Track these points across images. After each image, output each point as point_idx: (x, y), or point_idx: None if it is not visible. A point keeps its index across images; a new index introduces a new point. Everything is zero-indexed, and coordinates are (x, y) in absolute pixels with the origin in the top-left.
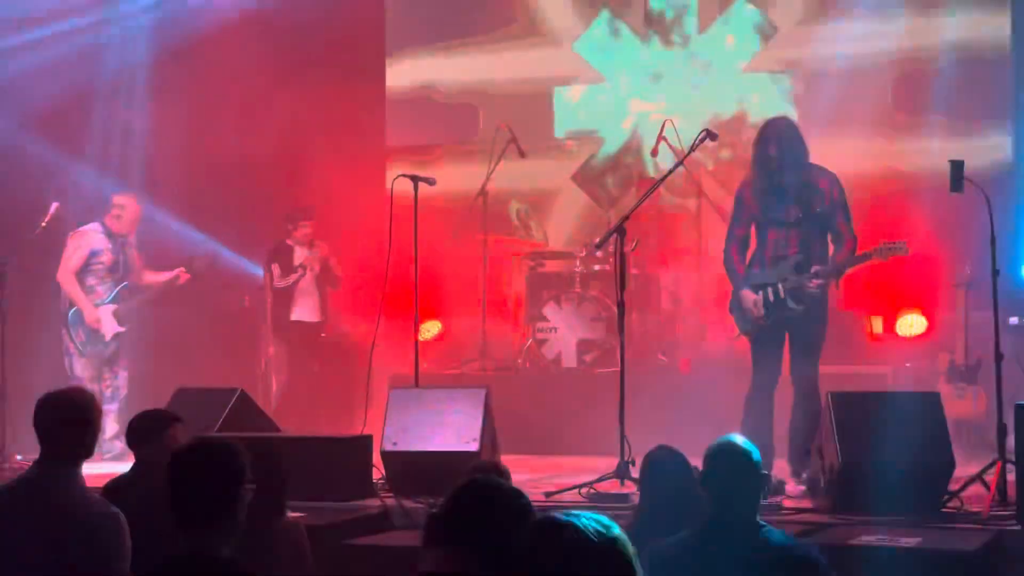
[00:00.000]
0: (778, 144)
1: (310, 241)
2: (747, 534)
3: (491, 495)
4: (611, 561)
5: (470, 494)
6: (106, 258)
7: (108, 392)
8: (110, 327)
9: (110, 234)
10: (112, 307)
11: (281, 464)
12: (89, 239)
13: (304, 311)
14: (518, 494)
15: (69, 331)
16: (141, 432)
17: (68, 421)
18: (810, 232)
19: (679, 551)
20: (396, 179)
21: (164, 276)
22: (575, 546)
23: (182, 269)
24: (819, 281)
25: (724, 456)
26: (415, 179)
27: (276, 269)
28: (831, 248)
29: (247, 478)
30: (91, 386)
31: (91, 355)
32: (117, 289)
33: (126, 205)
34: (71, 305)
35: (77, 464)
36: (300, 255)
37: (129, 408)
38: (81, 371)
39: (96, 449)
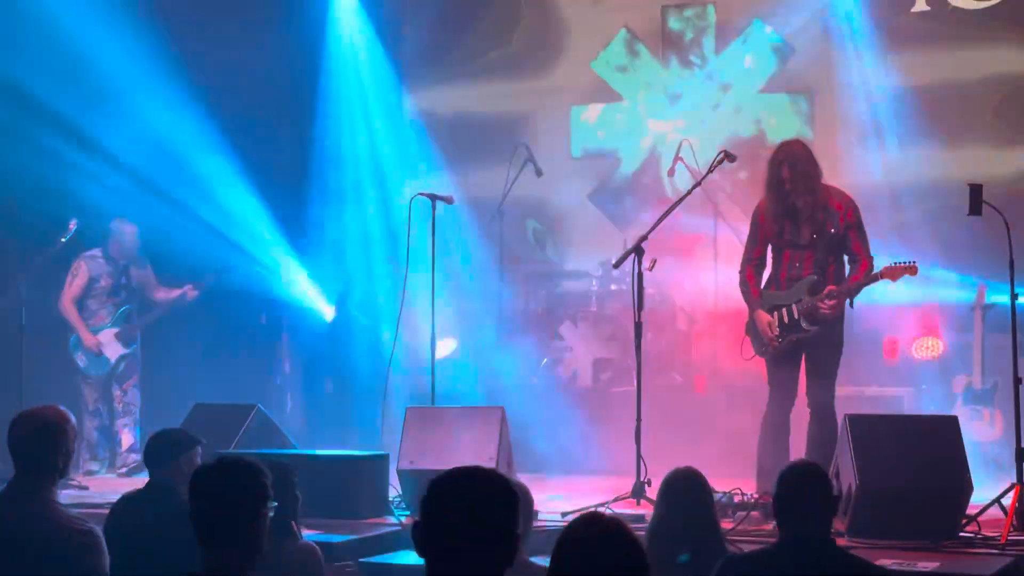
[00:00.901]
0: (791, 167)
1: None
2: (821, 553)
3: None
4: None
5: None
6: (105, 283)
7: (120, 407)
8: (113, 350)
9: (110, 258)
10: (114, 330)
11: (295, 484)
12: (88, 265)
13: None
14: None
15: (71, 356)
16: (158, 454)
17: (40, 440)
18: (824, 253)
19: (754, 567)
20: (414, 197)
21: (173, 293)
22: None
23: (190, 286)
24: (832, 302)
25: (798, 477)
26: (433, 198)
27: None
28: (847, 269)
29: (269, 497)
30: (98, 407)
31: (94, 379)
32: (119, 312)
33: (125, 231)
34: (73, 330)
35: (51, 482)
36: None
37: (146, 421)
38: (88, 393)
39: (108, 463)
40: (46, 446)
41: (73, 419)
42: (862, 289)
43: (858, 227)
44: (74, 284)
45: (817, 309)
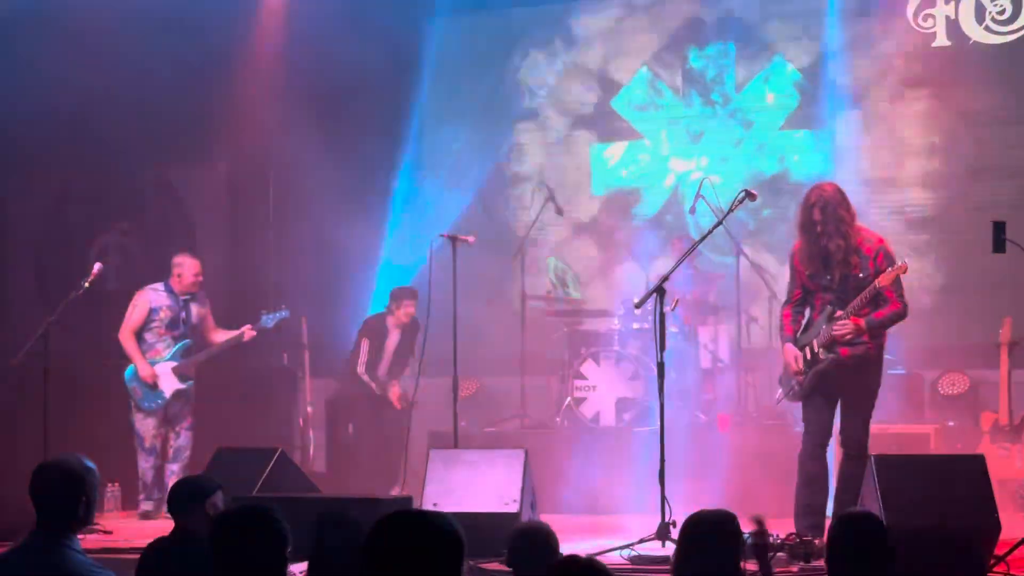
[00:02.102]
0: (823, 210)
1: (407, 321)
2: None
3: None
4: None
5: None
6: (164, 315)
7: (171, 452)
8: (169, 384)
9: (171, 292)
10: (172, 364)
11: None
12: (148, 297)
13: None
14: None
15: (127, 387)
16: (180, 502)
17: (61, 490)
18: (852, 295)
19: None
20: (435, 239)
21: (231, 334)
22: None
23: (248, 327)
24: (845, 328)
25: (851, 526)
26: (454, 239)
27: (366, 345)
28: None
29: (290, 542)
30: (155, 444)
31: (147, 411)
32: (177, 346)
33: (184, 264)
34: (130, 361)
35: (72, 532)
36: (393, 339)
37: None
38: (140, 425)
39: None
40: (68, 495)
41: (94, 468)
42: (886, 325)
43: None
44: (133, 315)
45: (832, 336)
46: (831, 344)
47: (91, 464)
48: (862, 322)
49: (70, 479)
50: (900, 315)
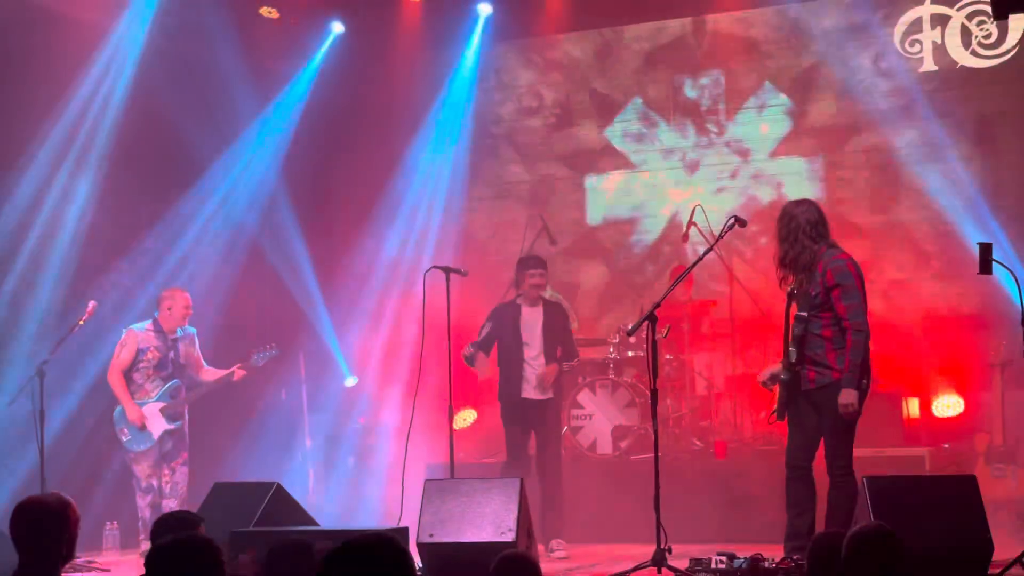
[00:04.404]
0: (787, 223)
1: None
2: None
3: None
4: None
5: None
6: (152, 356)
7: (167, 488)
8: (157, 425)
9: (160, 331)
10: (159, 405)
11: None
12: (137, 337)
13: None
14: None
15: (115, 429)
16: (161, 537)
17: (42, 528)
18: (806, 311)
19: None
20: (428, 271)
21: (220, 373)
22: None
23: (238, 366)
24: (848, 399)
25: (866, 544)
26: (447, 271)
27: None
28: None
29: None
30: (151, 482)
31: (138, 454)
32: (166, 387)
33: (175, 297)
34: (118, 402)
35: (56, 569)
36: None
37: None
38: (136, 466)
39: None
40: (48, 533)
41: (74, 504)
42: (858, 360)
43: (840, 287)
44: (122, 355)
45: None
46: (790, 363)
47: (71, 501)
48: (846, 395)
49: (48, 516)
50: (861, 340)
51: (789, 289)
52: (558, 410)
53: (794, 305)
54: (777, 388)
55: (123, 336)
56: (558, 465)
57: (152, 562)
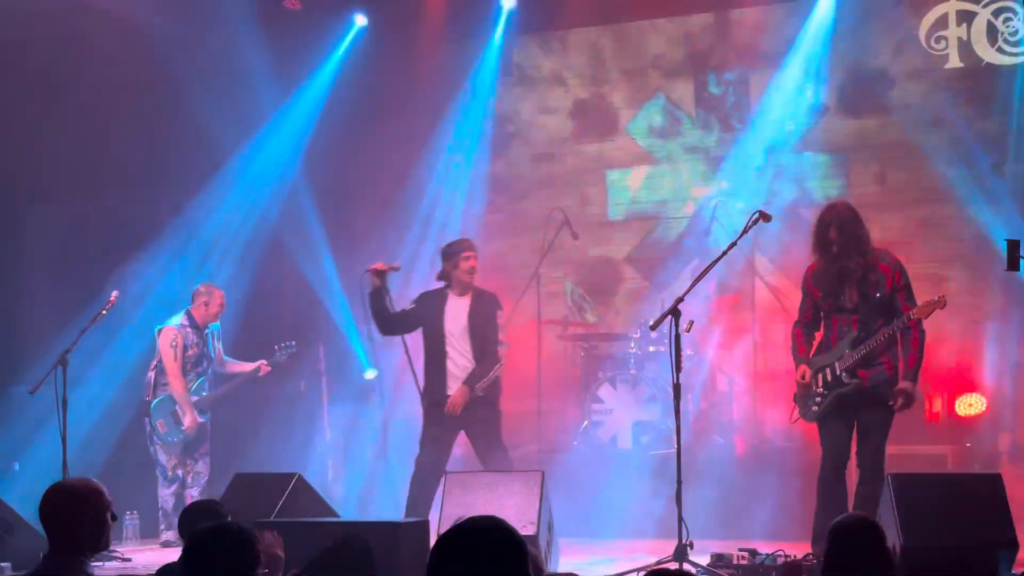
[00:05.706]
0: (839, 228)
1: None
2: None
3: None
4: None
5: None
6: (192, 352)
7: (189, 478)
8: (190, 419)
9: (195, 326)
10: (193, 399)
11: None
12: (180, 337)
13: None
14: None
15: (151, 420)
16: (192, 526)
17: (70, 513)
18: (870, 316)
19: None
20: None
21: (247, 367)
22: None
23: (263, 362)
24: (905, 397)
25: (849, 532)
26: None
27: None
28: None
29: (260, 564)
30: (177, 472)
31: (169, 445)
32: (199, 381)
33: (213, 294)
34: (155, 395)
35: (85, 556)
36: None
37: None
38: (166, 460)
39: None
40: (77, 519)
41: (105, 490)
42: (920, 361)
43: (906, 288)
44: (178, 356)
45: (856, 362)
46: (853, 368)
47: (102, 487)
48: (910, 386)
49: (78, 502)
50: (924, 337)
51: (822, 294)
52: (494, 404)
53: (836, 316)
54: (798, 388)
55: (170, 336)
56: (509, 463)
57: (193, 547)
